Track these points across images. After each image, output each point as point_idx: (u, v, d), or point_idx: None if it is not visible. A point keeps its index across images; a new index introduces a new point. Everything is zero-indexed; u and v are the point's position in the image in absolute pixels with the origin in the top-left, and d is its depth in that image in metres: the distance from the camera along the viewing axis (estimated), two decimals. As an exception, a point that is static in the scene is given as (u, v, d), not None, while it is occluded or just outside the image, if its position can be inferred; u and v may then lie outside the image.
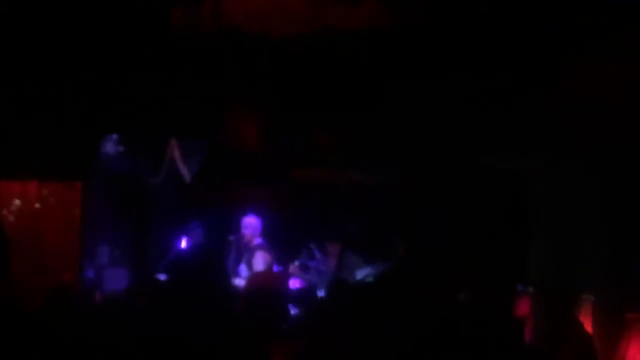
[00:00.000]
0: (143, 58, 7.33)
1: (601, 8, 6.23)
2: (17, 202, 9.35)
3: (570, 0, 6.36)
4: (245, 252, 9.91)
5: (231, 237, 10.06)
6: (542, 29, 6.45)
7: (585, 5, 6.28)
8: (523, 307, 9.00)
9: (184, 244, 10.09)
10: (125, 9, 7.08)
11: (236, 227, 10.14)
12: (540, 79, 7.10)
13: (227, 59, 7.03)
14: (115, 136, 10.30)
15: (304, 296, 9.75)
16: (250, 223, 10.11)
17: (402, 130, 8.73)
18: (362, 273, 10.53)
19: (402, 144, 9.18)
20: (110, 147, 10.28)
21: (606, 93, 6.88)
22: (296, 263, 10.38)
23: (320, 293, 9.88)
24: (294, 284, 10.04)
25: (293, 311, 9.08)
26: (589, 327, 7.95)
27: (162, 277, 9.29)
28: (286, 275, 9.80)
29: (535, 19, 6.50)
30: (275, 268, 9.77)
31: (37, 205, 9.39)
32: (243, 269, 9.78)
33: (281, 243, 10.48)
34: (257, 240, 9.98)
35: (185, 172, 10.56)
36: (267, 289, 8.52)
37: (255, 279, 9.06)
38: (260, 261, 9.49)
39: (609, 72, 6.65)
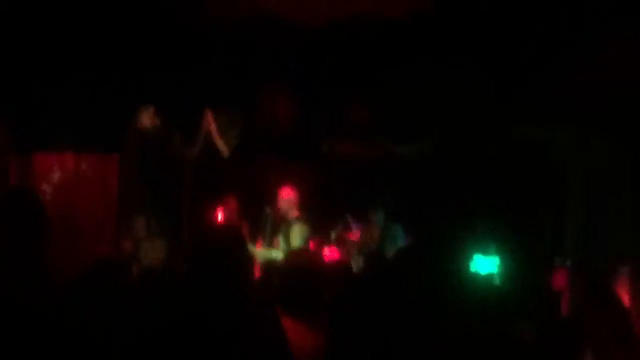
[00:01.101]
0: (179, 36, 7.37)
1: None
2: (54, 174, 9.40)
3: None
4: (282, 224, 9.92)
5: (267, 210, 10.06)
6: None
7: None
8: (560, 280, 8.97)
9: (220, 217, 10.10)
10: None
11: (272, 200, 10.14)
12: (571, 54, 7.06)
13: (260, 44, 7.07)
14: (151, 108, 10.32)
15: (341, 269, 9.76)
16: (287, 195, 10.11)
17: (434, 104, 8.72)
18: (400, 245, 10.52)
19: (434, 116, 9.17)
20: (146, 119, 10.31)
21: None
22: (334, 234, 10.41)
23: (358, 265, 9.89)
24: (332, 254, 10.04)
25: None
26: (625, 299, 7.92)
27: (197, 249, 9.32)
28: (323, 253, 9.79)
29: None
30: (312, 240, 9.77)
31: (74, 178, 9.45)
32: (279, 241, 9.80)
33: (318, 215, 10.47)
34: (294, 213, 9.97)
35: (221, 145, 10.57)
36: (304, 267, 8.52)
37: (292, 257, 9.07)
38: (297, 234, 9.50)
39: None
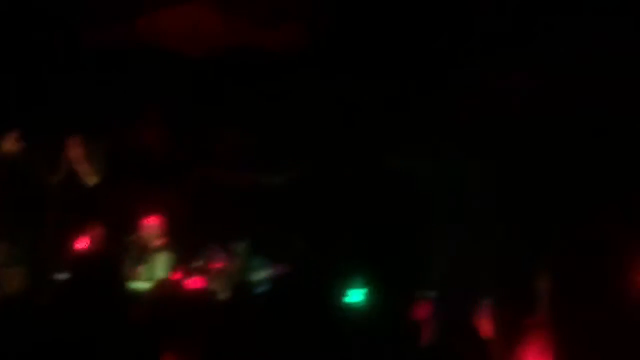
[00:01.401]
0: (50, 62, 7.26)
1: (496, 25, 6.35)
2: None
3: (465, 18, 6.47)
4: (145, 253, 9.81)
5: (131, 237, 9.95)
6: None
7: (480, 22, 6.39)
8: (422, 312, 9.08)
9: (83, 244, 9.92)
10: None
11: (136, 228, 10.02)
12: (434, 89, 7.22)
13: (133, 71, 7.03)
14: (15, 132, 10.09)
15: (205, 298, 9.69)
16: (151, 222, 10.00)
17: (304, 131, 8.78)
18: (266, 274, 10.53)
19: (304, 144, 9.23)
20: (9, 143, 10.08)
21: (507, 104, 7.02)
22: (199, 263, 10.34)
23: (223, 295, 9.84)
24: (195, 284, 9.98)
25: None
26: (487, 332, 8.07)
27: (61, 276, 9.14)
28: (187, 280, 9.73)
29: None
30: (177, 269, 9.70)
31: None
32: (142, 270, 9.68)
33: (183, 244, 10.39)
34: (159, 241, 9.88)
35: (86, 171, 10.40)
36: (169, 296, 8.44)
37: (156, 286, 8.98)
38: (161, 263, 9.42)
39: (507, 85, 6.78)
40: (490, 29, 6.41)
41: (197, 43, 6.40)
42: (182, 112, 8.39)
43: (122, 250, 9.79)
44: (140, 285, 9.30)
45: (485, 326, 8.11)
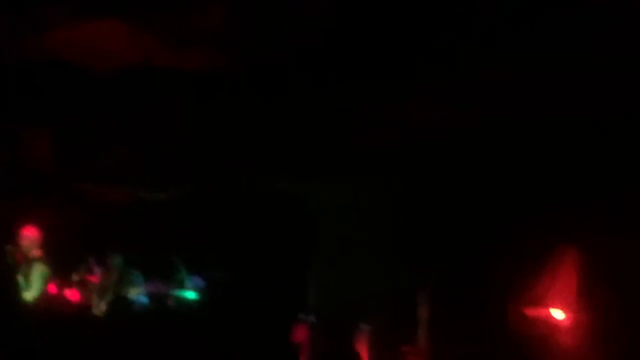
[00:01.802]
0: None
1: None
2: None
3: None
4: (22, 264, 9.61)
5: (8, 247, 9.73)
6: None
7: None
8: (301, 334, 9.16)
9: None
10: None
11: (14, 237, 9.82)
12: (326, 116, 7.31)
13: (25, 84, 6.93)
14: None
15: (81, 311, 9.60)
16: (29, 234, 9.82)
17: (190, 150, 8.77)
18: (142, 290, 10.46)
19: (189, 163, 9.22)
20: None
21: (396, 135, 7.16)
22: (76, 276, 10.18)
23: (99, 308, 9.76)
24: (72, 296, 9.85)
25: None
26: (365, 357, 8.21)
27: None
28: (64, 292, 9.61)
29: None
30: (53, 282, 9.54)
31: None
32: (20, 280, 9.49)
33: (60, 256, 10.22)
34: (36, 253, 9.70)
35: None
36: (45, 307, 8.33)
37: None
38: (37, 275, 9.25)
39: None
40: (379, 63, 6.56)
41: (103, 59, 6.36)
42: (70, 126, 8.29)
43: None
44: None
45: (363, 352, 8.26)
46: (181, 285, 11.04)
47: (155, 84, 6.58)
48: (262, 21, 6.20)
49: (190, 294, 10.93)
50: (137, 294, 10.46)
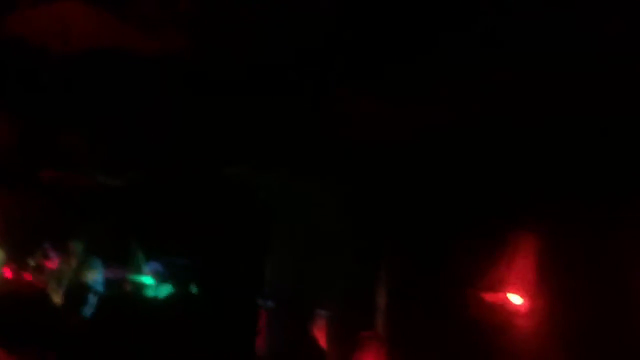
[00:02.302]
0: None
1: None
2: None
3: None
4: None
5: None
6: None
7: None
8: (260, 320, 9.16)
9: None
10: None
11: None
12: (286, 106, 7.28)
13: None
14: None
15: (38, 296, 9.53)
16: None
17: (147, 135, 8.70)
18: (102, 276, 10.42)
19: (146, 148, 9.15)
20: None
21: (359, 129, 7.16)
22: (32, 262, 10.12)
23: (57, 294, 9.70)
24: (28, 281, 9.81)
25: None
26: (323, 343, 8.22)
27: None
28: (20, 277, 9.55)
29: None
30: (8, 267, 9.48)
31: None
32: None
33: (17, 241, 10.15)
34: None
35: None
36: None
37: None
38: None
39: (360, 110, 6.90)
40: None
41: (67, 41, 6.27)
42: (29, 111, 8.19)
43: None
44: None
45: (321, 337, 8.26)
46: (139, 271, 10.98)
47: (115, 68, 6.52)
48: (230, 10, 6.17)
49: (148, 279, 10.89)
50: (95, 279, 10.42)
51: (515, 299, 5.77)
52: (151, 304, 9.98)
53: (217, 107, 7.33)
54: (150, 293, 10.55)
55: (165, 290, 10.29)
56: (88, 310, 8.99)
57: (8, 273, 9.53)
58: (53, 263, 10.41)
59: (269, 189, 9.39)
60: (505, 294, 5.80)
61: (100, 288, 10.13)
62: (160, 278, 10.85)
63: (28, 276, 9.88)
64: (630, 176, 5.13)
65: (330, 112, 6.94)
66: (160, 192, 10.50)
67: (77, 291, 9.51)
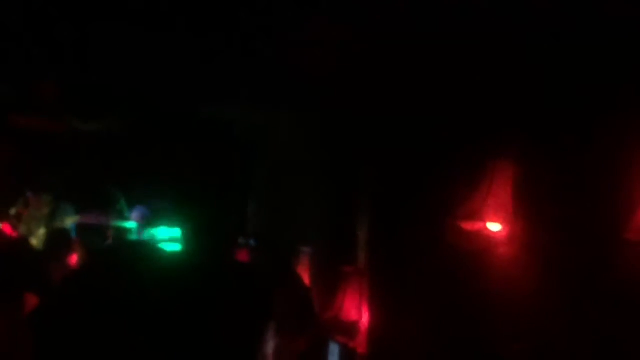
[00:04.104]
0: None
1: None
2: None
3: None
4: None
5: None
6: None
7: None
8: (241, 259, 9.16)
9: None
10: None
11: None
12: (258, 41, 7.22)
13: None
14: None
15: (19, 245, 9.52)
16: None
17: (119, 79, 8.66)
18: (73, 221, 10.45)
19: (120, 93, 9.11)
20: None
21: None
22: (13, 211, 10.14)
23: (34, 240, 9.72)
24: (7, 229, 9.83)
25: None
26: (307, 278, 8.25)
27: None
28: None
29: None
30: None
31: None
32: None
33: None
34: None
35: None
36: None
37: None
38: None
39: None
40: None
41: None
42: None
43: None
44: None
45: (305, 273, 8.30)
46: (121, 216, 11.00)
47: (83, 7, 6.44)
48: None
49: (130, 225, 10.90)
50: (72, 224, 10.45)
51: (494, 226, 5.77)
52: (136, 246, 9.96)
53: (185, 46, 7.28)
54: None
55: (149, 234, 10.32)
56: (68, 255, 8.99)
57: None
58: (27, 210, 10.42)
59: (246, 128, 9.38)
60: (485, 222, 5.80)
61: (73, 234, 10.16)
62: (147, 222, 10.87)
63: (7, 226, 9.91)
64: (604, 99, 5.11)
65: (293, 41, 6.90)
66: (138, 137, 10.48)
67: (53, 237, 9.52)
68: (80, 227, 10.49)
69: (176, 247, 9.49)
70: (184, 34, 7.10)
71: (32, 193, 10.45)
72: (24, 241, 9.50)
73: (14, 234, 9.90)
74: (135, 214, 10.91)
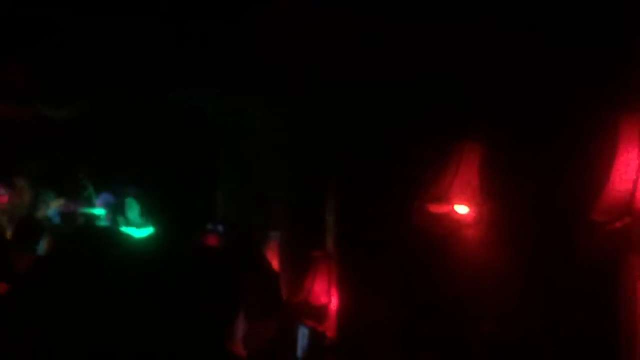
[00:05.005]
0: None
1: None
2: None
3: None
4: None
5: None
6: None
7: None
8: (210, 244, 9.15)
9: None
10: None
11: None
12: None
13: None
14: None
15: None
16: None
17: (88, 65, 8.60)
18: (52, 209, 10.41)
19: (89, 78, 9.05)
20: None
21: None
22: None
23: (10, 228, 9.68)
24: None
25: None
26: (275, 263, 8.25)
27: None
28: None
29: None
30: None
31: None
32: None
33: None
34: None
35: None
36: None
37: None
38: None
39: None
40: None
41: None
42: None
43: None
44: None
45: (274, 258, 8.29)
46: (89, 203, 10.95)
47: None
48: None
49: (99, 211, 10.86)
50: (49, 213, 10.41)
51: (461, 208, 5.79)
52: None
53: (154, 32, 7.25)
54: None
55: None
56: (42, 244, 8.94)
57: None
58: (3, 199, 10.37)
59: (214, 114, 9.34)
60: (452, 205, 5.82)
61: (56, 221, 10.13)
62: (112, 209, 10.83)
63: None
64: (570, 82, 5.13)
65: (261, 27, 6.88)
66: (106, 123, 10.42)
67: (30, 226, 9.46)
68: (63, 215, 10.47)
69: (143, 233, 9.51)
70: (152, 18, 7.07)
71: (3, 183, 10.42)
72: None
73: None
74: (99, 201, 10.88)
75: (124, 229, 9.84)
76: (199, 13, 6.86)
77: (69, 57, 8.29)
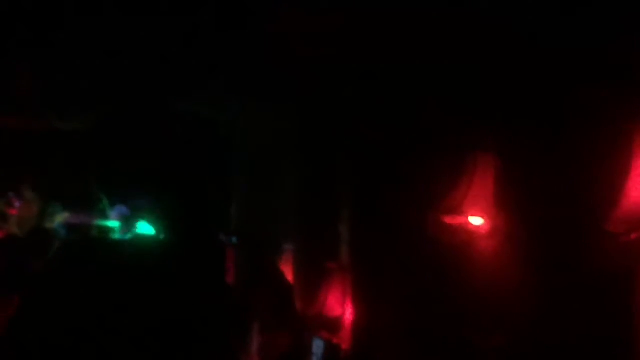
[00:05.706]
0: None
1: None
2: None
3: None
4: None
5: None
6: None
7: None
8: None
9: None
10: None
11: None
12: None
13: None
14: None
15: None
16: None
17: (96, 77, 8.62)
18: (62, 220, 10.44)
19: (100, 90, 9.08)
20: None
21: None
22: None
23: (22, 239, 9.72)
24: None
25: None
26: (289, 275, 8.25)
27: None
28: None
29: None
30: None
31: None
32: None
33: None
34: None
35: None
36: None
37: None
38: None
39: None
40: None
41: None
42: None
43: None
44: None
45: (288, 270, 8.29)
46: (104, 216, 10.97)
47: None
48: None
49: (113, 224, 10.88)
50: (58, 224, 10.42)
51: (476, 220, 5.77)
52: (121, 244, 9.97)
53: (163, 41, 7.27)
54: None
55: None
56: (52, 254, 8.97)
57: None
58: (15, 210, 10.40)
59: (227, 124, 9.36)
60: (466, 217, 5.80)
61: (62, 233, 10.14)
62: (127, 221, 10.84)
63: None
64: (585, 93, 5.11)
65: (271, 34, 6.89)
66: (119, 134, 10.45)
67: (40, 237, 9.49)
68: (69, 227, 10.48)
69: (156, 244, 9.53)
70: (162, 26, 7.09)
71: (14, 193, 10.43)
72: (10, 240, 9.51)
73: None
74: (114, 213, 10.90)
75: (137, 241, 9.87)
76: (209, 23, 6.89)
77: (81, 66, 8.32)
